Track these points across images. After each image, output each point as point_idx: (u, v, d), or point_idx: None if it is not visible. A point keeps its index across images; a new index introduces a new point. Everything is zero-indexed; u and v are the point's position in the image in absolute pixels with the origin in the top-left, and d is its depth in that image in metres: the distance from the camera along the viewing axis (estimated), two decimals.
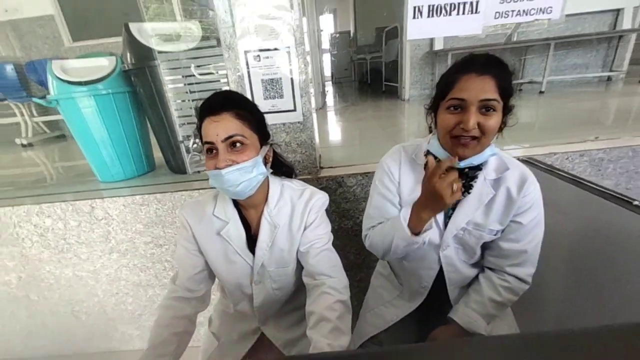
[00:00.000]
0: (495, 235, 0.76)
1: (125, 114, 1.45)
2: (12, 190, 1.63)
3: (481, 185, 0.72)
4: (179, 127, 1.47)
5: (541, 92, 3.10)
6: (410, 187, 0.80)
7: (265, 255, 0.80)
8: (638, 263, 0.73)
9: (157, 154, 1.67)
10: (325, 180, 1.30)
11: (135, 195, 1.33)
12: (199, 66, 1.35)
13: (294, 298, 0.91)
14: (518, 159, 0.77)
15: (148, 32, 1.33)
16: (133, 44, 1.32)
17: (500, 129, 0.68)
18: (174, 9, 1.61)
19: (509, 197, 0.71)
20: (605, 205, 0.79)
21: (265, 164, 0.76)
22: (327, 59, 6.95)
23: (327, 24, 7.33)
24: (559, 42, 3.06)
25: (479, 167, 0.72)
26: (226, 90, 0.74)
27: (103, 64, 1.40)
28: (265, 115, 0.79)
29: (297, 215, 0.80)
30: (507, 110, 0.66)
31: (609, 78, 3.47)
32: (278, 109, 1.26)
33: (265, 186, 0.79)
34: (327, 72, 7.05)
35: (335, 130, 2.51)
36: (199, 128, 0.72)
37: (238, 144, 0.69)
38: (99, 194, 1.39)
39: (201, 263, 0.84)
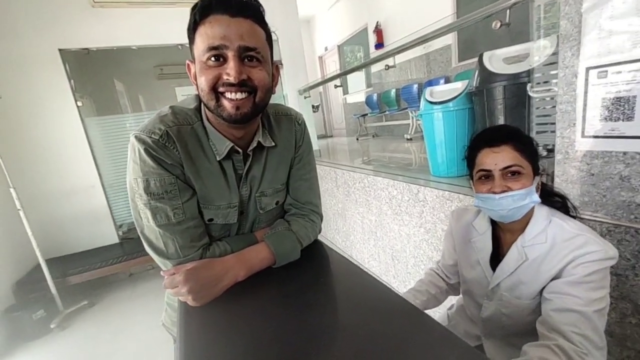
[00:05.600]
0: None
1: (461, 126, 1.79)
2: (392, 167, 2.60)
3: None
4: None
5: None
6: None
7: (502, 278, 0.83)
8: None
9: None
10: None
11: (445, 190, 1.68)
12: (534, 84, 1.34)
13: (525, 336, 0.84)
14: None
15: (497, 57, 1.52)
16: (481, 69, 1.58)
17: None
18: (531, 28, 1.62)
19: None
20: None
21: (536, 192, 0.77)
22: None
23: None
24: None
25: None
26: (505, 125, 0.83)
27: (457, 87, 1.80)
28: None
29: (554, 259, 0.74)
30: None
31: None
32: (620, 133, 1.00)
33: (528, 215, 0.80)
34: None
35: None
36: (472, 157, 0.83)
37: (514, 174, 0.76)
38: (427, 183, 1.89)
39: (454, 259, 1.03)
